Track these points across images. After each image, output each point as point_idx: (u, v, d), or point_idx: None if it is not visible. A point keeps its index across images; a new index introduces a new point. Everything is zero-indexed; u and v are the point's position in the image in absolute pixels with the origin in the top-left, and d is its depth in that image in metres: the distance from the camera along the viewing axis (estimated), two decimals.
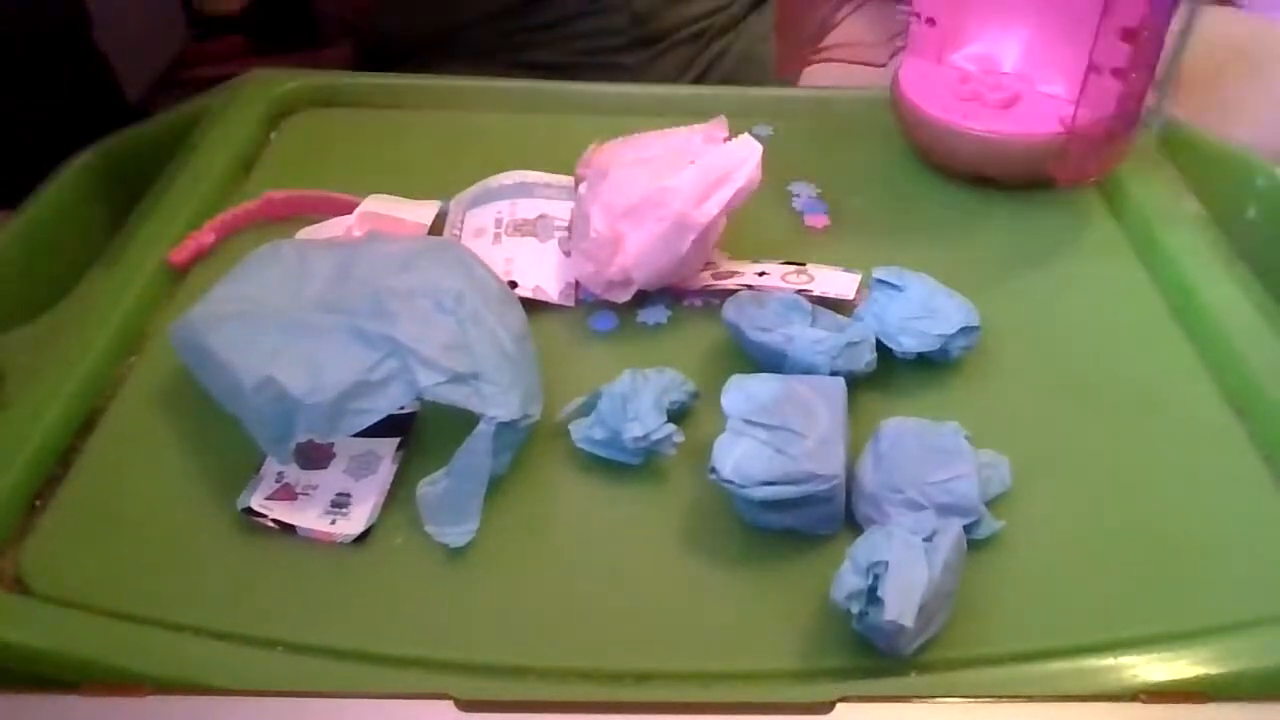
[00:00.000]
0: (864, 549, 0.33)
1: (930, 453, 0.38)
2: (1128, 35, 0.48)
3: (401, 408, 0.38)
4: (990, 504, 0.38)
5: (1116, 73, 0.49)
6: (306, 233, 0.51)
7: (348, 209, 0.52)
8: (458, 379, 0.38)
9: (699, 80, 0.75)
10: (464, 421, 0.38)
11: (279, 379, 0.37)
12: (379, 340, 0.38)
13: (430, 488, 0.38)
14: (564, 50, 0.73)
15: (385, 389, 0.38)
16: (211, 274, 0.47)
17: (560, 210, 0.52)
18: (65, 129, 0.63)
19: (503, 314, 0.41)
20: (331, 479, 0.39)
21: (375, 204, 0.52)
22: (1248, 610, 0.35)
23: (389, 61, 0.70)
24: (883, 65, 0.62)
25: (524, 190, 0.53)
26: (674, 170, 0.46)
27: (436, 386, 0.38)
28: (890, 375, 0.43)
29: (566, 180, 0.53)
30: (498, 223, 0.51)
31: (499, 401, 0.38)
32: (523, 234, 0.50)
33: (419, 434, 0.41)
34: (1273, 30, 0.68)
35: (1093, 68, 0.50)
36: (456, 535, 0.37)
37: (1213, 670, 0.33)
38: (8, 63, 0.69)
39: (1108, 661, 0.33)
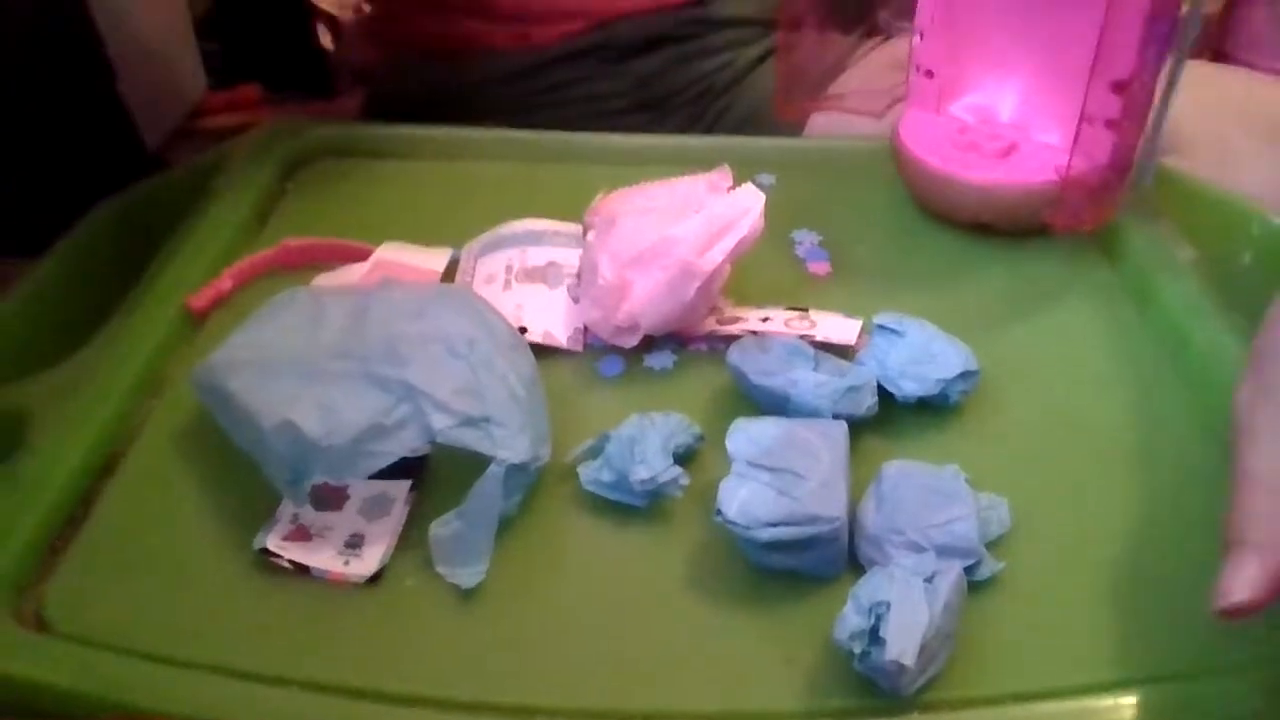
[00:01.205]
0: (866, 590, 0.34)
1: (931, 495, 0.38)
2: (1118, 87, 0.50)
3: (414, 450, 0.39)
4: (990, 545, 0.39)
5: (1109, 123, 0.51)
6: (323, 280, 0.52)
7: (363, 256, 0.53)
8: (469, 422, 0.39)
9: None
10: (474, 464, 0.39)
11: (296, 422, 0.38)
12: (393, 385, 0.39)
13: (442, 529, 0.38)
14: (570, 112, 0.74)
15: (399, 432, 0.39)
16: (230, 320, 0.48)
17: (569, 258, 0.53)
18: (87, 178, 0.64)
19: (513, 359, 0.42)
20: (345, 520, 0.40)
21: (389, 251, 0.54)
22: (1245, 653, 0.35)
23: (401, 115, 0.72)
24: (880, 115, 0.63)
25: (534, 238, 0.54)
26: (679, 219, 0.47)
27: (449, 429, 0.39)
28: (891, 419, 0.44)
29: (575, 228, 0.55)
30: (508, 270, 0.52)
31: (509, 444, 0.39)
32: (532, 281, 0.52)
33: (430, 476, 0.42)
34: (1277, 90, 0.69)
35: (1085, 118, 0.51)
36: (468, 576, 0.38)
37: (1211, 713, 0.33)
38: (32, 112, 0.71)
39: (1107, 703, 0.34)
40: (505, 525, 0.39)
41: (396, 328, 0.42)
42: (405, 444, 0.39)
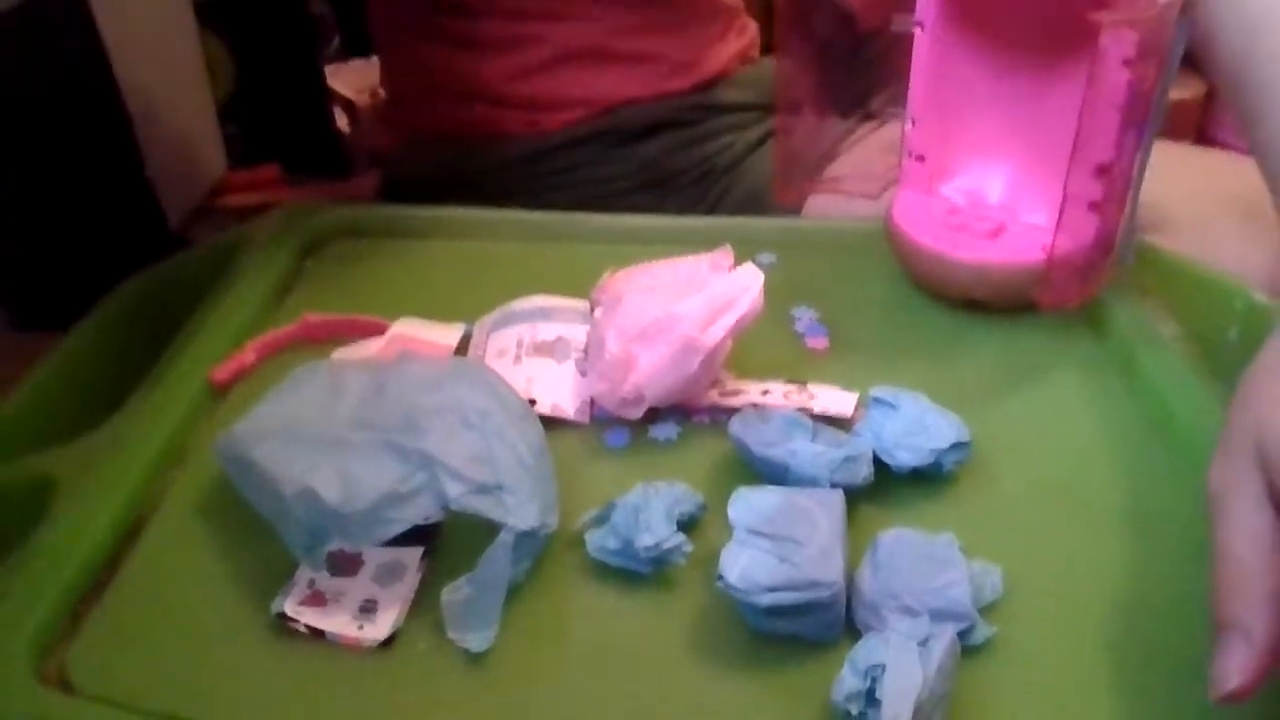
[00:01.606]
0: (863, 652, 0.35)
1: (925, 562, 0.40)
2: (1100, 171, 0.52)
3: (429, 517, 0.41)
4: (983, 611, 0.40)
5: (1092, 205, 0.53)
6: (341, 354, 0.54)
7: (379, 331, 0.55)
8: (482, 489, 0.40)
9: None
10: (485, 532, 0.40)
11: (317, 489, 0.40)
12: (410, 453, 0.41)
13: (453, 595, 0.40)
14: (578, 193, 0.77)
15: (415, 499, 0.40)
16: (251, 392, 0.50)
17: (577, 333, 0.55)
18: (114, 255, 0.67)
19: (523, 430, 0.44)
20: (359, 586, 0.42)
21: (404, 327, 0.56)
22: None
23: (415, 196, 0.75)
24: (876, 197, 0.66)
25: (543, 314, 0.56)
26: (682, 297, 0.50)
27: (463, 496, 0.40)
28: (887, 488, 0.46)
29: (583, 305, 0.57)
30: (518, 344, 0.54)
31: (519, 511, 0.40)
32: (542, 355, 0.54)
33: (443, 543, 0.43)
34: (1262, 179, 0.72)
35: (1069, 200, 0.54)
36: (477, 640, 0.39)
37: None
38: (61, 191, 0.74)
39: None
40: (514, 591, 0.41)
41: (413, 399, 0.44)
42: (421, 511, 0.40)
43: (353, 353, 0.54)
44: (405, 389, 0.44)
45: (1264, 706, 0.36)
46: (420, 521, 0.40)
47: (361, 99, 1.26)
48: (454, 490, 0.40)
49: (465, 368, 0.47)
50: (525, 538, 0.40)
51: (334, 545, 0.41)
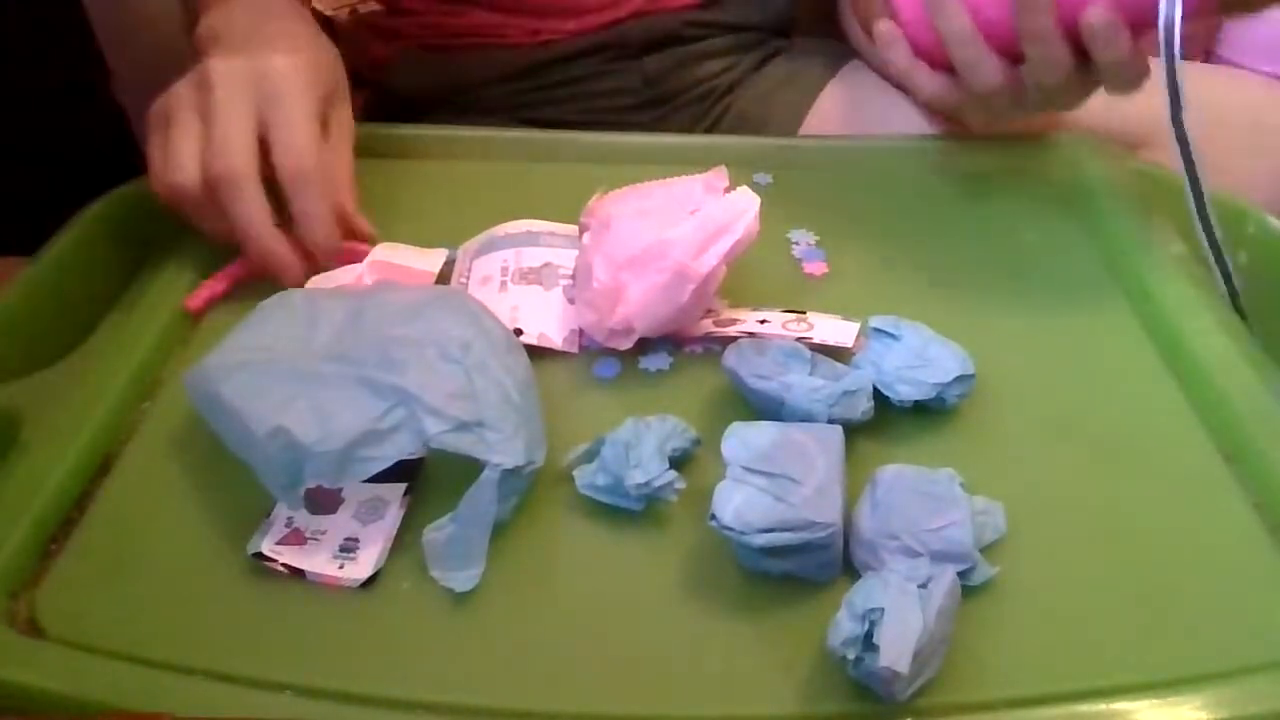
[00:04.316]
0: (860, 596, 0.34)
1: (925, 500, 0.38)
2: None
3: (407, 455, 0.39)
4: (985, 550, 0.39)
5: None
6: (317, 281, 0.52)
7: (359, 258, 0.53)
8: (463, 427, 0.39)
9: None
10: (469, 467, 0.38)
11: (289, 427, 0.38)
12: (387, 390, 0.39)
13: (436, 533, 0.38)
14: (576, 109, 0.75)
15: (393, 437, 0.39)
16: (225, 322, 0.48)
17: (565, 259, 0.53)
18: (80, 179, 0.64)
19: (508, 363, 0.42)
20: (340, 524, 0.40)
21: (385, 252, 0.53)
22: (1240, 657, 0.36)
23: (401, 115, 0.72)
24: None
25: (530, 239, 0.54)
26: (675, 222, 0.47)
27: (442, 434, 0.39)
28: (887, 422, 0.44)
29: (571, 229, 0.55)
30: (504, 271, 0.52)
31: (503, 449, 0.39)
32: (528, 282, 0.52)
33: (425, 479, 0.42)
34: (1269, 92, 0.69)
35: None
36: (462, 580, 0.38)
37: (1205, 716, 0.33)
38: (25, 113, 0.71)
39: (1100, 707, 0.34)
40: (501, 529, 0.39)
41: (391, 331, 0.42)
42: (399, 449, 0.39)
43: (329, 280, 0.52)
44: (383, 319, 0.43)
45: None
46: (398, 459, 0.39)
47: (341, 15, 1.21)
48: (433, 427, 0.38)
49: (446, 296, 0.45)
50: (510, 475, 0.39)
51: (311, 483, 0.39)
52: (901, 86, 0.65)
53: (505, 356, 0.42)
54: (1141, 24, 0.50)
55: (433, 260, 0.54)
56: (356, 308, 0.44)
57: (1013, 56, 0.53)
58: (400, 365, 0.40)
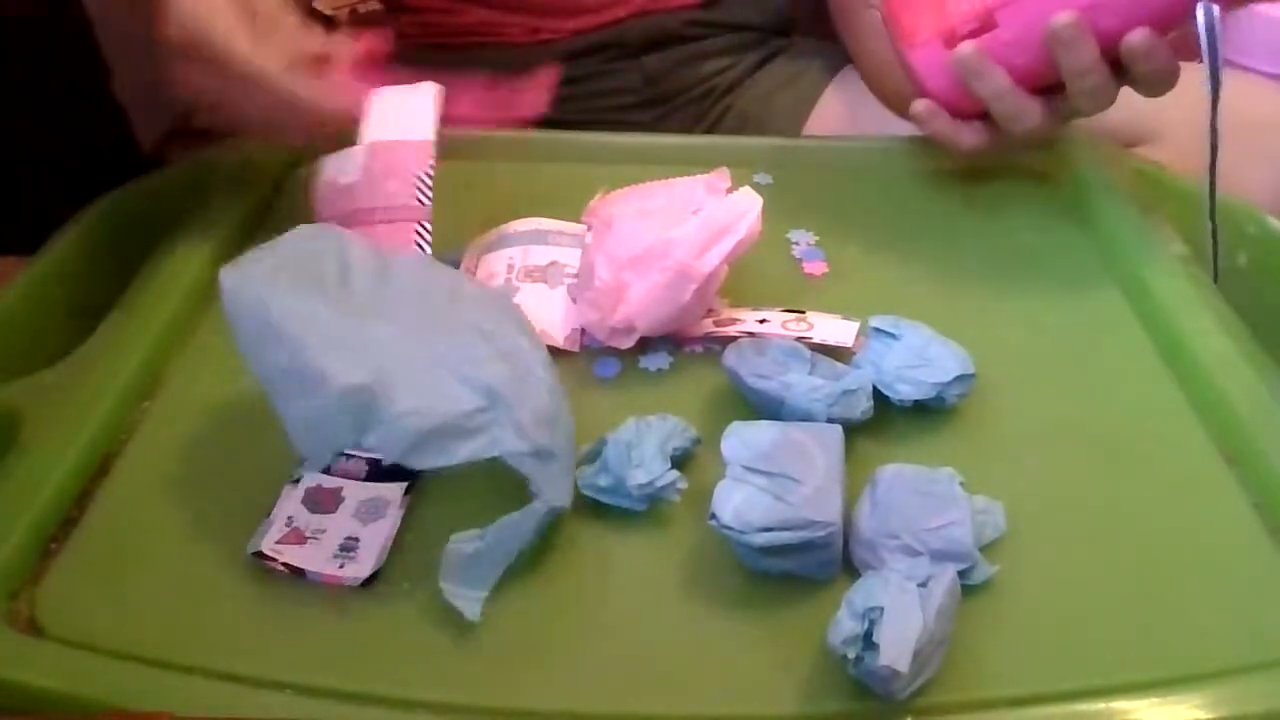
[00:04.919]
0: (860, 595, 0.34)
1: (925, 499, 0.38)
2: None
3: (476, 458, 0.37)
4: (985, 549, 0.39)
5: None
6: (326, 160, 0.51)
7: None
8: (539, 454, 0.37)
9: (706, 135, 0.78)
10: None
11: (375, 390, 0.36)
12: (481, 387, 0.38)
13: (461, 545, 0.37)
14: (576, 109, 0.75)
15: (473, 438, 0.37)
16: (224, 322, 0.48)
17: (571, 258, 0.53)
18: (81, 177, 0.64)
19: (560, 390, 0.41)
20: (340, 523, 0.40)
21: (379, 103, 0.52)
22: (1240, 657, 0.36)
23: None
24: None
25: (538, 237, 0.54)
26: (677, 221, 0.47)
27: (521, 455, 0.37)
28: (887, 422, 0.44)
29: (579, 229, 0.55)
30: (509, 268, 0.52)
31: (559, 487, 0.38)
32: (533, 280, 0.52)
33: (426, 480, 0.42)
34: (1269, 93, 0.69)
35: None
36: (468, 600, 0.37)
37: (1205, 716, 0.33)
38: (28, 111, 0.71)
39: (1100, 707, 0.34)
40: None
41: (470, 316, 0.40)
42: (474, 451, 0.37)
43: (337, 159, 0.51)
44: (429, 292, 0.40)
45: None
46: (467, 460, 0.37)
47: (341, 15, 1.21)
48: (515, 444, 0.37)
49: (490, 295, 0.44)
50: (550, 514, 0.38)
51: (364, 452, 0.37)
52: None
53: (555, 379, 0.41)
54: (1168, 28, 0.51)
55: (425, 115, 0.52)
56: (382, 264, 0.42)
57: (1045, 90, 0.54)
58: (490, 363, 0.38)
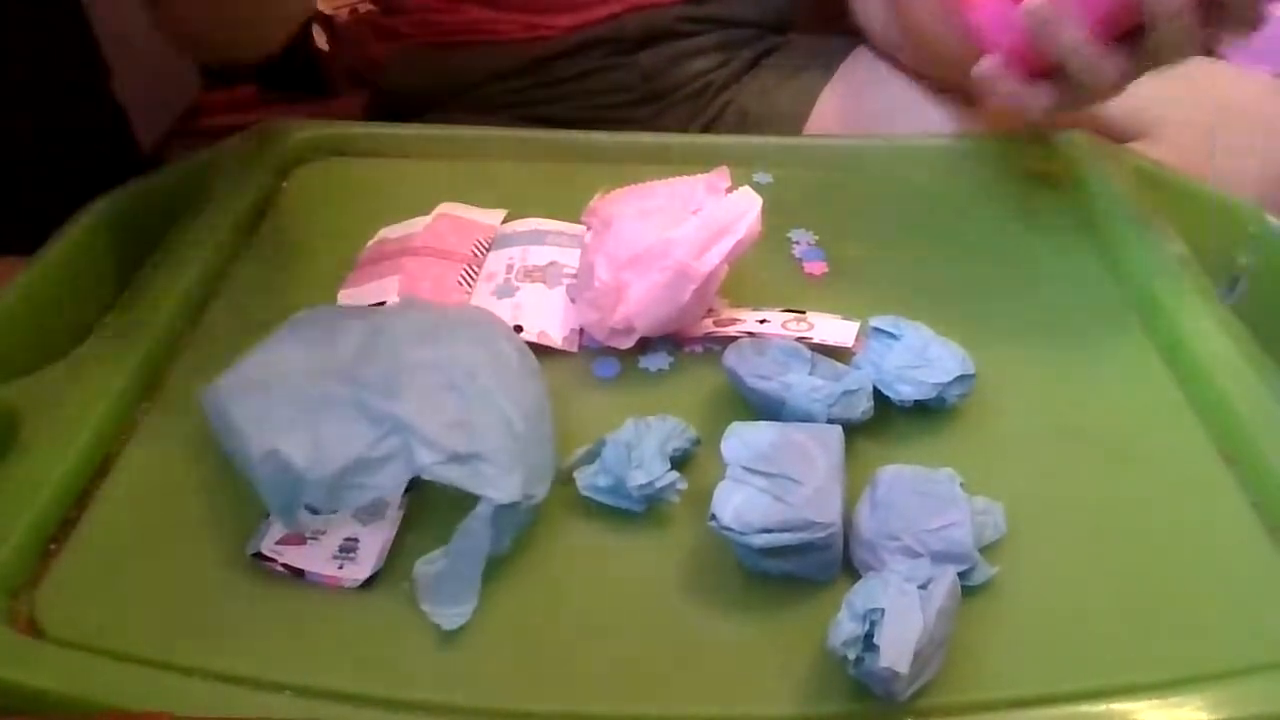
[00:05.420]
0: (860, 596, 0.34)
1: (926, 500, 0.38)
2: None
3: (398, 486, 0.38)
4: (985, 550, 0.39)
5: None
6: (387, 232, 0.54)
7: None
8: (457, 459, 0.38)
9: (704, 132, 0.78)
10: None
11: (284, 452, 0.38)
12: (383, 417, 0.39)
13: (427, 567, 0.38)
14: (575, 106, 0.75)
15: (385, 466, 0.38)
16: (225, 323, 0.48)
17: (571, 258, 0.53)
18: (81, 177, 0.64)
19: (517, 391, 0.41)
20: (339, 524, 0.40)
21: (450, 208, 0.56)
22: (1240, 657, 0.36)
23: (401, 114, 0.72)
24: None
25: (537, 237, 0.54)
26: (676, 221, 0.47)
27: (435, 465, 0.38)
28: (887, 422, 0.44)
29: (579, 229, 0.55)
30: (509, 268, 0.52)
31: (499, 483, 0.38)
32: (533, 280, 0.52)
33: (426, 482, 0.42)
34: (1268, 90, 0.69)
35: None
36: (451, 617, 0.37)
37: (1205, 716, 0.33)
38: (27, 111, 0.71)
39: (1100, 707, 0.34)
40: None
41: (404, 355, 0.41)
42: (391, 478, 0.38)
43: (401, 230, 0.54)
44: (400, 340, 0.41)
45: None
46: (389, 490, 0.38)
47: (341, 14, 1.21)
48: (426, 458, 0.37)
49: (469, 317, 0.44)
50: (505, 510, 0.37)
51: (304, 508, 0.38)
52: (993, 109, 0.61)
53: (515, 384, 0.41)
54: None
55: (493, 216, 0.56)
56: (378, 326, 0.43)
57: (1117, 39, 0.50)
58: (399, 392, 0.39)
